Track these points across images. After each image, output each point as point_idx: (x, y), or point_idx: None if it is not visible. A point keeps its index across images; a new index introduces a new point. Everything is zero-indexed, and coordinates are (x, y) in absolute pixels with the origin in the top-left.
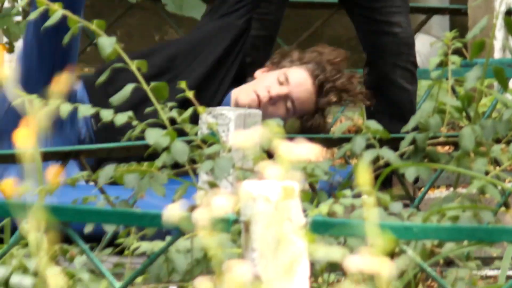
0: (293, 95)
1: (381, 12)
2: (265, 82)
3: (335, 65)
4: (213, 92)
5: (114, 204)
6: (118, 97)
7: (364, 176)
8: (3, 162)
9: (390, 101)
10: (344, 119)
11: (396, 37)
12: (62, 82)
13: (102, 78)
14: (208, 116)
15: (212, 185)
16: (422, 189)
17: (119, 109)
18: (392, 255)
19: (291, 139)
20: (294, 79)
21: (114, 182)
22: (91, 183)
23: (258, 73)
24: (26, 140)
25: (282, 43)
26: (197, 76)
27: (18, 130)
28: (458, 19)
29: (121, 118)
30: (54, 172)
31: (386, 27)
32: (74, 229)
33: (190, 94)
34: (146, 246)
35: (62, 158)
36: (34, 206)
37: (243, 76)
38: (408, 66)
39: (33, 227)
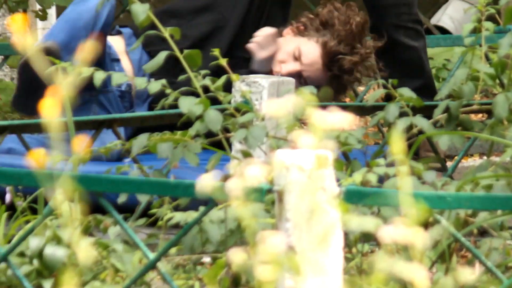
0: (305, 73)
1: None
2: (282, 54)
3: (351, 36)
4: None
5: (147, 174)
6: (151, 65)
7: (397, 144)
8: (35, 131)
9: (399, 60)
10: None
11: None
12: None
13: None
14: (241, 84)
15: (246, 154)
16: (456, 158)
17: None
18: (425, 225)
19: (324, 107)
20: (307, 57)
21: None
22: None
23: (284, 35)
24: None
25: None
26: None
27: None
28: None
29: (155, 86)
30: (86, 141)
31: None
32: (107, 199)
33: (223, 62)
34: (180, 216)
35: (96, 127)
36: (67, 176)
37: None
38: (410, 25)
39: (66, 197)
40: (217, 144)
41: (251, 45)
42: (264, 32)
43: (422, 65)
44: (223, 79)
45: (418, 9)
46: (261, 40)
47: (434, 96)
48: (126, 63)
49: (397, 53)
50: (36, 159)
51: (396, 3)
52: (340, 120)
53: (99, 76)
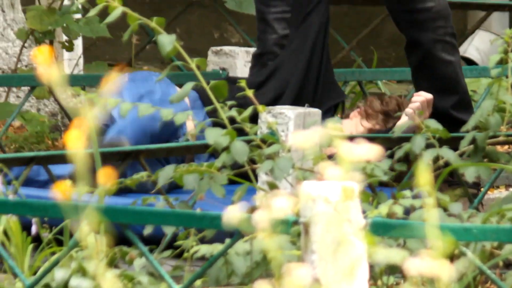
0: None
1: None
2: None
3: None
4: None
5: (173, 205)
6: (178, 95)
7: (424, 176)
8: (62, 162)
9: (435, 76)
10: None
11: (431, 11)
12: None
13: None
14: (267, 115)
15: (272, 185)
16: (482, 189)
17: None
18: (451, 257)
19: (350, 139)
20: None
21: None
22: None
23: (350, 116)
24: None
25: (341, 41)
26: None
27: (71, 131)
28: None
29: (181, 117)
30: (112, 173)
31: (420, 4)
32: (133, 231)
33: (249, 93)
34: (206, 248)
35: (122, 158)
36: (93, 208)
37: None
38: (447, 39)
39: (91, 229)
40: (243, 176)
41: (409, 112)
42: (423, 97)
43: (458, 80)
44: (249, 110)
45: None
46: (420, 104)
47: (471, 111)
48: (190, 125)
49: (434, 68)
50: (62, 190)
51: (433, 17)
52: (367, 151)
53: (126, 107)
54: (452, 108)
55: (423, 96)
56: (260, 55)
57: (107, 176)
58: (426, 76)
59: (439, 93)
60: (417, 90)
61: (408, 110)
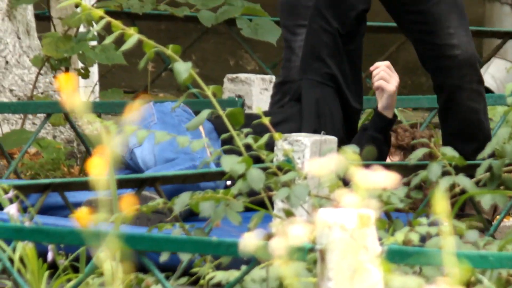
0: None
1: (439, 35)
2: None
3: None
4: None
5: (189, 232)
6: (193, 123)
7: (440, 203)
8: (79, 189)
9: (460, 122)
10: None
11: (457, 59)
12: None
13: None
14: (284, 143)
15: (288, 213)
16: (498, 217)
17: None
18: (467, 284)
19: (366, 166)
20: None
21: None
22: None
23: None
24: (100, 168)
25: None
26: None
27: (92, 158)
28: None
29: (197, 145)
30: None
31: (446, 51)
32: (149, 258)
33: (265, 121)
34: (222, 275)
35: (138, 185)
36: (109, 234)
37: None
38: (474, 86)
39: (108, 256)
40: (259, 203)
41: (378, 83)
42: (381, 65)
43: (481, 127)
44: (265, 137)
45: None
46: (385, 73)
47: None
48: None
49: (458, 114)
50: (81, 217)
51: (459, 65)
52: (383, 179)
53: (142, 135)
54: (472, 155)
55: (380, 66)
56: (283, 83)
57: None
58: (450, 120)
59: (462, 138)
60: (442, 131)
61: (378, 82)
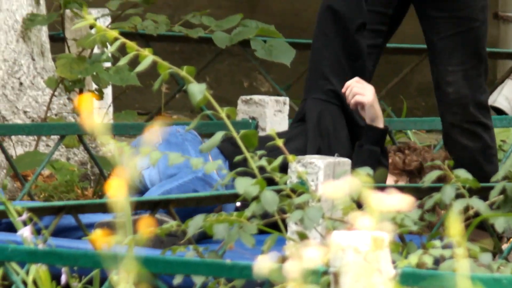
0: None
1: (438, 69)
2: None
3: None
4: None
5: (203, 255)
6: (208, 145)
7: (454, 226)
8: (92, 211)
9: (453, 154)
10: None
11: (448, 97)
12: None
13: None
14: (297, 165)
15: (302, 235)
16: (511, 240)
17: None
18: None
19: (380, 189)
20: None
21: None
22: None
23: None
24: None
25: None
26: None
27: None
28: None
29: (211, 167)
30: (144, 222)
31: (441, 85)
32: (163, 280)
33: (279, 142)
34: None
35: (152, 207)
36: (124, 257)
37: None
38: (465, 125)
39: (122, 278)
40: (273, 225)
41: (354, 100)
42: (350, 83)
43: (480, 167)
44: (279, 159)
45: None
46: (356, 88)
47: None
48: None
49: (452, 151)
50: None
51: (450, 103)
52: (397, 201)
53: (155, 156)
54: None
55: (349, 84)
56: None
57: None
58: (449, 150)
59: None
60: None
61: (353, 100)
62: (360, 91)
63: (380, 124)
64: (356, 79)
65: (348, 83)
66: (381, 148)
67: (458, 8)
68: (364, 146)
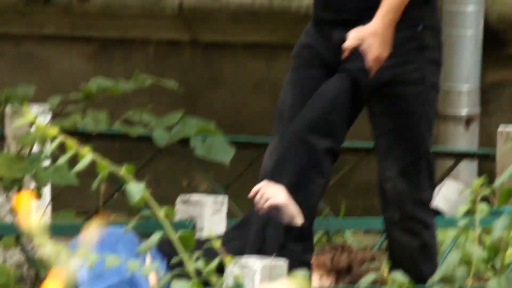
0: None
1: (379, 164)
2: None
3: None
4: None
5: None
6: (145, 246)
7: None
8: None
9: (392, 255)
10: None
11: (386, 193)
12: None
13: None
14: (234, 268)
15: None
16: None
17: None
18: None
19: None
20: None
21: None
22: None
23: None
24: None
25: None
26: None
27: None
28: (487, 164)
29: (148, 269)
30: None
31: (380, 181)
32: None
33: (217, 244)
34: None
35: None
36: None
37: None
38: (404, 223)
39: None
40: None
41: (268, 204)
42: (258, 188)
43: (414, 267)
44: (215, 262)
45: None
46: (267, 192)
47: None
48: (152, 279)
49: (391, 249)
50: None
51: (389, 200)
52: None
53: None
54: None
55: (258, 189)
56: None
57: None
58: (389, 247)
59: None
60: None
61: (266, 204)
62: (271, 194)
63: (299, 220)
64: (263, 182)
65: (256, 187)
66: (303, 246)
67: (395, 102)
68: (288, 247)
